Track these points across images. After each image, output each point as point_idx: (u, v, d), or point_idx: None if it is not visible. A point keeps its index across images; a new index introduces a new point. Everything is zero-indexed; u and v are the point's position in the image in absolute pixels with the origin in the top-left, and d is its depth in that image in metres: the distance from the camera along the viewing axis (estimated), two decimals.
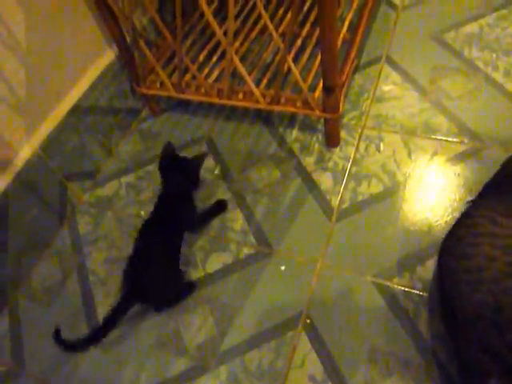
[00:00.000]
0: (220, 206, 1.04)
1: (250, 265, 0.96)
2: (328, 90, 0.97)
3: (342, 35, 1.15)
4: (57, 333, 0.88)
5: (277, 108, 1.06)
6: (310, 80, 1.06)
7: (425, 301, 0.86)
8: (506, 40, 1.25)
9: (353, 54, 1.11)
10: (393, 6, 1.42)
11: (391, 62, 1.27)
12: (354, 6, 1.21)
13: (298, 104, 1.04)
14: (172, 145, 1.01)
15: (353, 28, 1.18)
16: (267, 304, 0.91)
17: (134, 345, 0.90)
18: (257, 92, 1.04)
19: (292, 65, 0.96)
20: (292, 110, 1.05)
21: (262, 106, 1.06)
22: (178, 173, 0.97)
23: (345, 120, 1.16)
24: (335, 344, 0.84)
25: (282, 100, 1.05)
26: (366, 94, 1.20)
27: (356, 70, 1.26)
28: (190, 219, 0.98)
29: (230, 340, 0.88)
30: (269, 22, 0.90)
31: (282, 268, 0.95)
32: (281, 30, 1.21)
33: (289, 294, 0.91)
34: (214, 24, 0.92)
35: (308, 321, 0.87)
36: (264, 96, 1.06)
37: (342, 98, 1.04)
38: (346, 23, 1.17)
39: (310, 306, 0.89)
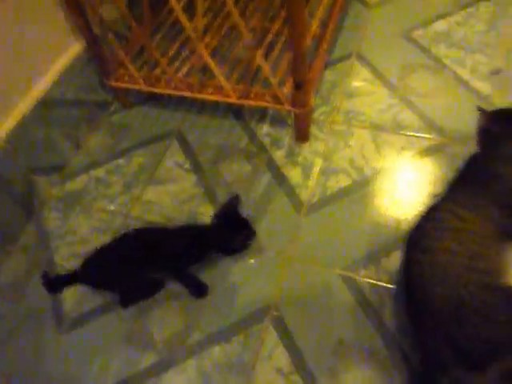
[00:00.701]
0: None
1: (219, 259, 0.96)
2: (297, 85, 0.97)
3: (312, 31, 1.15)
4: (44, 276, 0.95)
5: (247, 102, 1.06)
6: (279, 75, 1.07)
7: (390, 293, 0.88)
8: (474, 38, 1.28)
9: (323, 50, 1.12)
10: (364, 3, 1.43)
11: (362, 59, 1.28)
12: (325, 2, 1.22)
13: (268, 98, 1.05)
14: (239, 199, 0.99)
15: (324, 24, 1.19)
16: (235, 298, 0.91)
17: (101, 339, 0.90)
18: (227, 86, 1.04)
19: (262, 60, 0.97)
20: (262, 104, 1.05)
21: (233, 100, 1.06)
22: (231, 231, 0.92)
23: (315, 115, 1.17)
24: (302, 336, 0.85)
25: (252, 95, 1.06)
26: (336, 90, 1.21)
27: (327, 65, 1.27)
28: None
29: (197, 334, 0.88)
30: (238, 19, 0.90)
31: (252, 261, 0.95)
32: (251, 25, 1.21)
33: (257, 287, 0.92)
34: (184, 19, 0.92)
35: (276, 314, 0.88)
36: (234, 90, 1.06)
37: (312, 93, 1.05)
38: (317, 19, 1.18)
39: (278, 299, 0.90)
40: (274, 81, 0.99)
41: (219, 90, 1.07)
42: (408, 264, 0.81)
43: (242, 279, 0.93)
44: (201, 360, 0.85)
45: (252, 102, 1.06)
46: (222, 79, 1.02)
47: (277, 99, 1.03)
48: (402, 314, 0.83)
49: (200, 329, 0.88)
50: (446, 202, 0.87)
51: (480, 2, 1.37)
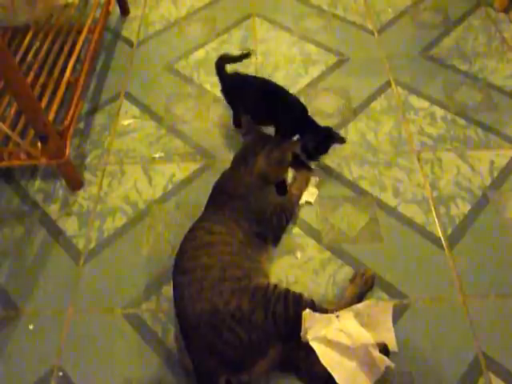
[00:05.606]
0: None
1: None
2: (42, 138, 0.97)
3: (65, 80, 1.16)
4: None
5: (1, 164, 1.03)
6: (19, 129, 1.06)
7: (172, 318, 0.90)
8: None
9: (76, 98, 1.13)
10: (129, 42, 1.48)
11: (130, 97, 1.32)
12: (76, 51, 1.23)
13: (23, 156, 1.02)
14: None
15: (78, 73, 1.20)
16: (16, 370, 0.86)
17: None
18: None
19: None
20: (16, 163, 1.03)
21: None
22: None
23: (88, 160, 1.17)
24: None
25: (5, 155, 1.02)
26: (107, 132, 1.23)
27: (96, 109, 1.29)
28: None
29: None
30: None
31: (31, 327, 0.91)
32: None
33: (38, 352, 0.88)
34: None
35: (61, 374, 0.85)
36: None
37: (69, 141, 1.05)
38: (69, 68, 1.19)
39: (61, 357, 0.87)
40: (17, 138, 0.96)
41: None
42: (173, 288, 0.84)
43: (22, 348, 0.88)
44: None
45: (7, 163, 1.03)
46: None
47: (31, 155, 1.01)
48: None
49: None
50: (201, 220, 0.92)
51: (231, 29, 1.50)
